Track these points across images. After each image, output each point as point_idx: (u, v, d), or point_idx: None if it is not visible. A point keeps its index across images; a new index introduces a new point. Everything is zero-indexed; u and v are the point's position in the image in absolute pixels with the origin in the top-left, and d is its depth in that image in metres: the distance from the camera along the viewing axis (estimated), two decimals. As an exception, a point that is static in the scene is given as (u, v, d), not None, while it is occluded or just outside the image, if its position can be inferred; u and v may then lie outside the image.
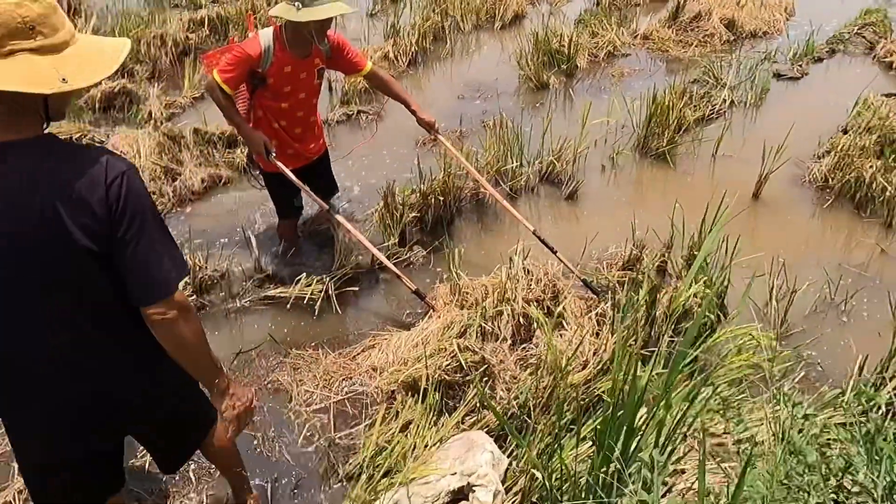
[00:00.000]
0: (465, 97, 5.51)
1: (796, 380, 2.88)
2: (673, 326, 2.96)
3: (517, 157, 4.25)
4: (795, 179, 4.35)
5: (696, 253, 3.33)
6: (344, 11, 2.97)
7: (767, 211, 4.09)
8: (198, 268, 3.33)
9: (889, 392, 2.39)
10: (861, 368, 2.72)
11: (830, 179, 4.21)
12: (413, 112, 3.44)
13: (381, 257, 3.23)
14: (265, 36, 3.02)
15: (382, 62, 5.97)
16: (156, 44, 6.02)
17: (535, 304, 2.86)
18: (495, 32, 6.87)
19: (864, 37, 6.28)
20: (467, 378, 2.53)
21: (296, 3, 2.89)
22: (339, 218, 3.27)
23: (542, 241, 3.38)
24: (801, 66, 5.85)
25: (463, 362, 2.47)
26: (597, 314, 3.03)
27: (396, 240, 3.62)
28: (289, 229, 3.69)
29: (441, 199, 3.79)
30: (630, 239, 3.52)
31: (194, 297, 3.27)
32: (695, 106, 5.14)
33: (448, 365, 2.51)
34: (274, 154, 3.13)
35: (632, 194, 4.26)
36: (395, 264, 3.53)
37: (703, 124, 4.99)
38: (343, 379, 2.90)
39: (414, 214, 3.78)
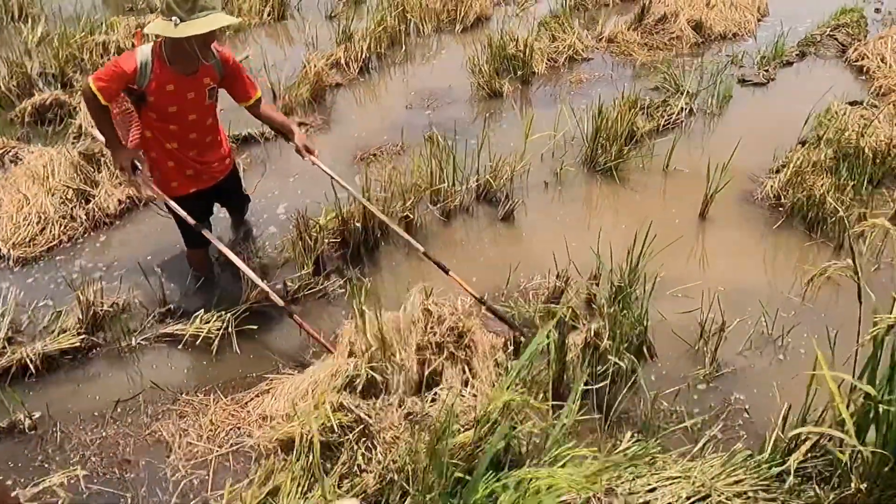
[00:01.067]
0: (414, 107, 5.27)
1: (718, 428, 2.66)
2: (588, 370, 2.74)
3: (451, 176, 4.01)
4: (747, 196, 4.11)
5: (622, 285, 3.10)
6: (226, 23, 2.75)
7: (713, 232, 3.85)
8: (91, 303, 3.12)
9: (802, 454, 2.16)
10: (785, 419, 2.50)
11: (783, 197, 3.97)
12: (291, 139, 3.28)
13: (262, 285, 3.04)
14: (142, 52, 2.83)
15: (332, 69, 5.74)
16: (98, 52, 5.80)
17: (434, 347, 2.64)
18: (456, 35, 6.62)
19: (836, 39, 6.01)
20: (346, 437, 2.32)
21: (173, 19, 2.68)
22: (219, 244, 3.07)
23: (435, 263, 3.25)
24: (767, 70, 5.59)
25: (335, 424, 2.26)
26: (508, 354, 2.82)
27: (311, 269, 3.40)
28: (197, 257, 3.48)
29: (359, 224, 3.56)
30: (555, 268, 3.30)
31: (85, 335, 3.07)
32: (649, 115, 4.90)
33: (324, 424, 2.30)
34: (140, 172, 2.96)
35: (571, 214, 4.02)
36: (307, 295, 3.34)
37: (657, 136, 4.74)
38: (231, 429, 2.70)
39: (333, 240, 3.57)
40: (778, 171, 4.22)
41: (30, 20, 6.83)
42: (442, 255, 3.64)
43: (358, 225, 3.53)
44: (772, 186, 4.07)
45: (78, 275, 3.51)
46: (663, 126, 4.82)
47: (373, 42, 6.02)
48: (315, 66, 5.37)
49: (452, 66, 5.91)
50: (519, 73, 5.59)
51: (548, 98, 5.37)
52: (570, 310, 3.09)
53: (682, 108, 4.95)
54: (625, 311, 2.90)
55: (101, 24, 6.32)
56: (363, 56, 5.88)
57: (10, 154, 4.51)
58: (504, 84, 5.41)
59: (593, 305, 3.21)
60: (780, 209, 3.95)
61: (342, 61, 5.83)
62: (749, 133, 4.66)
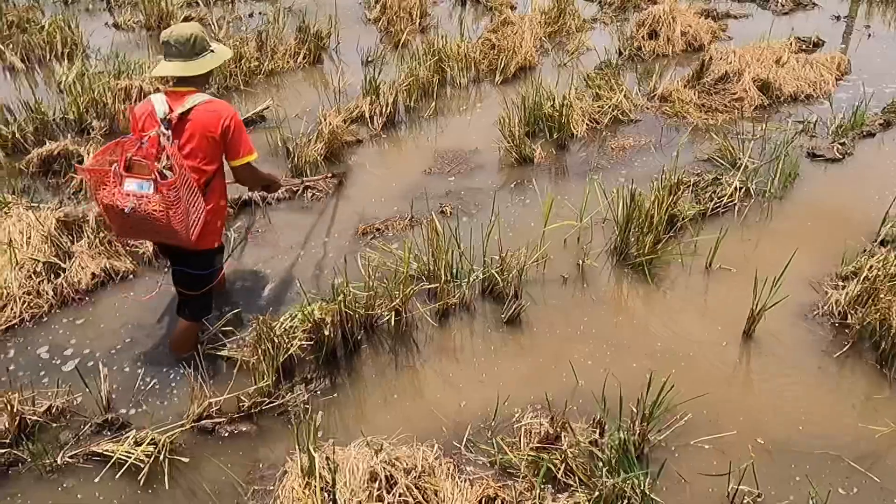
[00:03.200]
0: (434, 172, 4.81)
1: None
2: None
3: (454, 267, 3.51)
4: (805, 310, 3.43)
5: (633, 438, 2.52)
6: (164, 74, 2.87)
7: (759, 358, 3.19)
8: (18, 411, 2.77)
9: None
10: None
11: (850, 316, 3.28)
12: None
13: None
14: None
15: (354, 124, 5.36)
16: (120, 97, 5.61)
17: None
18: (495, 87, 6.14)
19: (931, 107, 5.20)
20: None
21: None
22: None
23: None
24: (844, 143, 4.85)
25: None
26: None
27: (272, 380, 2.96)
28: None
29: (334, 329, 3.10)
30: (557, 396, 2.74)
31: (9, 448, 2.71)
32: (696, 196, 4.27)
33: None
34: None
35: (589, 322, 3.43)
36: (263, 410, 2.90)
37: (702, 222, 4.11)
38: None
39: (304, 340, 3.12)
40: (846, 280, 3.52)
41: (66, 59, 6.79)
42: (432, 364, 3.16)
43: (328, 332, 3.06)
44: (837, 300, 3.38)
45: (25, 365, 3.19)
46: (711, 210, 4.18)
47: (401, 94, 5.62)
48: (331, 122, 4.99)
49: (484, 123, 5.42)
50: (554, 135, 5.05)
51: (584, 167, 4.80)
52: (564, 461, 2.53)
53: (736, 189, 4.29)
54: (628, 482, 2.31)
55: (132, 65, 6.18)
56: (389, 110, 5.48)
57: (3, 210, 4.30)
58: (536, 149, 4.88)
59: (597, 455, 2.62)
60: (846, 332, 3.25)
61: (367, 114, 5.45)
62: (815, 224, 4.00)
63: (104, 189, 2.72)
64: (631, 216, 3.74)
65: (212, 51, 2.98)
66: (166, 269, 3.82)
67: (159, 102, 2.85)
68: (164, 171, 2.71)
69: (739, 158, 4.56)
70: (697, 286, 3.64)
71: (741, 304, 3.32)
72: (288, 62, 6.65)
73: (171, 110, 2.83)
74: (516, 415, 2.84)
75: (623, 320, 3.43)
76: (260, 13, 8.14)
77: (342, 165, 4.90)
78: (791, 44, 6.28)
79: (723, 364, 3.13)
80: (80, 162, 4.81)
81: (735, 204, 4.24)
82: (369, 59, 6.75)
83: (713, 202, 4.20)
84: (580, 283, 3.68)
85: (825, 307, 3.40)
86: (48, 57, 6.99)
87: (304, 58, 6.73)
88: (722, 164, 4.64)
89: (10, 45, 7.02)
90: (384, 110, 5.44)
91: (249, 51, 6.50)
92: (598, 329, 3.37)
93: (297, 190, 4.56)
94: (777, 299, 3.14)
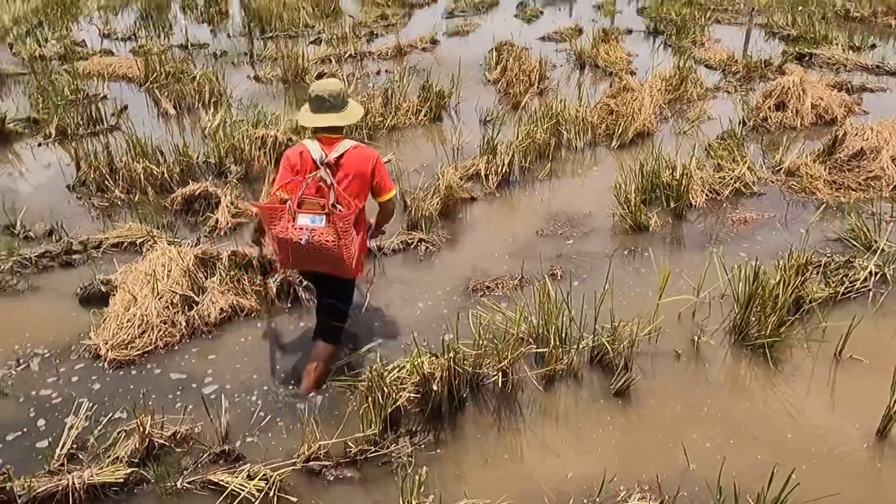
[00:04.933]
0: (546, 233, 4.83)
1: None
2: None
3: (563, 332, 3.48)
4: (952, 414, 3.12)
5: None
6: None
7: (894, 464, 2.93)
8: (148, 433, 2.98)
9: None
10: None
11: None
12: None
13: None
14: None
15: (470, 182, 5.51)
16: (256, 145, 6.06)
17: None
18: (611, 152, 6.14)
19: None
20: None
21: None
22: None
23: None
24: None
25: None
26: None
27: (378, 429, 3.03)
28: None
29: (441, 386, 3.14)
30: (663, 485, 2.62)
31: (135, 468, 2.91)
32: (825, 278, 4.04)
33: None
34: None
35: (703, 402, 3.28)
36: (368, 458, 2.96)
37: (832, 307, 3.87)
38: None
39: (412, 392, 3.17)
40: None
41: (212, 107, 7.44)
42: (536, 429, 3.13)
43: (436, 388, 3.10)
44: None
45: (156, 389, 3.44)
46: (842, 294, 3.93)
47: (518, 155, 5.73)
48: (447, 178, 5.15)
49: (599, 188, 5.42)
50: (672, 204, 4.96)
51: (701, 239, 4.67)
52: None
53: (871, 273, 4.03)
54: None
55: (269, 116, 6.67)
56: (505, 169, 5.59)
57: (149, 243, 4.71)
58: (652, 217, 4.81)
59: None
60: None
61: (482, 173, 5.59)
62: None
63: (278, 224, 3.04)
64: (754, 295, 3.59)
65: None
66: (287, 308, 4.04)
67: (314, 149, 3.19)
68: (336, 205, 3.07)
69: (875, 241, 4.29)
70: (825, 375, 3.41)
71: (875, 399, 3.09)
72: (410, 118, 6.96)
73: (326, 154, 3.16)
74: (623, 494, 2.74)
75: (741, 404, 3.26)
76: (387, 71, 8.61)
77: (456, 221, 5.03)
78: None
79: (854, 463, 2.90)
80: (217, 203, 5.21)
81: (870, 289, 3.98)
82: (487, 118, 6.94)
83: (844, 286, 3.95)
84: (694, 360, 3.55)
85: (975, 412, 3.08)
86: (196, 105, 7.69)
87: (425, 115, 7.03)
88: (855, 246, 4.38)
89: (166, 93, 7.79)
90: (500, 169, 5.56)
91: (375, 106, 6.87)
92: (713, 411, 3.21)
93: (412, 242, 4.71)
94: (919, 399, 2.89)
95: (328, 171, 3.13)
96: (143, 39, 10.96)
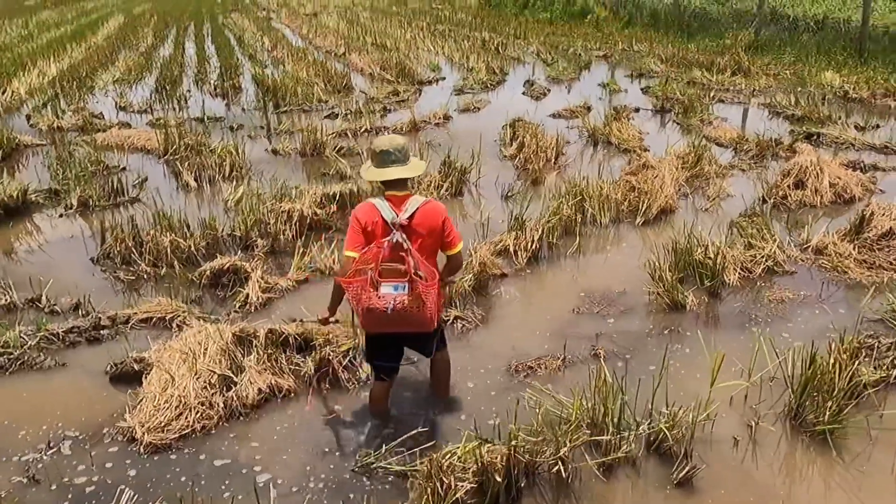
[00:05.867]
0: (582, 311, 4.79)
1: None
2: None
3: (616, 419, 3.38)
4: None
5: None
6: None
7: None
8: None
9: None
10: None
11: None
12: None
13: None
14: None
15: (499, 257, 5.49)
16: (282, 219, 6.06)
17: None
18: (636, 228, 6.17)
19: None
20: None
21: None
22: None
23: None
24: None
25: None
26: None
27: (438, 520, 2.88)
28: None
29: (500, 476, 3.01)
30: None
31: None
32: (873, 359, 3.98)
33: None
34: None
35: (765, 490, 3.16)
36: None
37: (886, 390, 3.80)
38: None
39: (470, 482, 3.04)
40: None
41: (234, 180, 7.48)
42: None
43: (497, 478, 2.98)
44: None
45: (200, 477, 3.28)
46: (895, 378, 3.87)
47: (545, 231, 5.74)
48: (481, 255, 5.14)
49: (629, 265, 5.41)
50: (706, 283, 4.95)
51: (740, 318, 4.63)
52: None
53: (920, 356, 3.98)
54: None
55: (292, 190, 6.70)
56: (533, 245, 5.59)
57: (178, 319, 4.62)
58: (688, 295, 4.78)
59: None
60: None
61: (511, 249, 5.59)
62: None
63: (364, 294, 3.08)
64: (810, 379, 3.52)
65: None
66: (326, 391, 3.91)
67: (385, 208, 3.20)
68: (418, 273, 3.08)
69: (918, 322, 4.27)
70: (889, 463, 3.31)
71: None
72: (431, 193, 7.00)
73: (398, 214, 3.18)
74: None
75: (809, 496, 3.14)
76: (404, 146, 8.72)
77: (489, 298, 4.98)
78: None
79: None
80: (246, 278, 5.15)
81: (921, 373, 3.92)
82: (509, 193, 7.01)
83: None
84: (754, 447, 3.44)
85: None
86: (217, 177, 7.73)
87: (446, 190, 7.09)
88: (897, 327, 4.35)
89: (187, 165, 7.84)
90: (529, 244, 5.56)
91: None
92: (776, 500, 3.09)
93: (448, 319, 4.64)
94: None
95: (403, 235, 3.14)
96: (158, 112, 11.16)
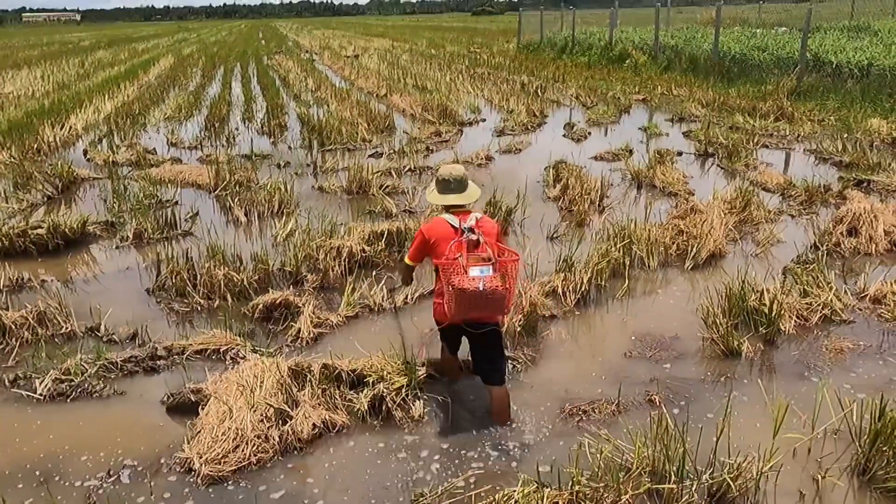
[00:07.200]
0: (634, 355, 4.73)
1: None
2: None
3: (678, 468, 3.31)
4: None
5: None
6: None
7: None
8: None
9: None
10: None
11: None
12: None
13: None
14: None
15: (547, 297, 5.47)
16: (332, 255, 6.15)
17: None
18: (685, 272, 6.11)
19: None
20: None
21: None
22: None
23: None
24: None
25: None
26: None
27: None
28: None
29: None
30: None
31: None
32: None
33: None
34: None
35: (842, 550, 3.05)
36: None
37: (958, 447, 3.65)
38: None
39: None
40: None
41: (283, 216, 7.64)
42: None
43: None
44: None
45: (255, 511, 3.29)
46: (967, 434, 3.72)
47: (594, 273, 5.72)
48: (531, 296, 5.14)
49: (680, 309, 5.35)
50: (761, 330, 4.86)
51: (798, 367, 4.52)
52: None
53: None
54: None
55: (341, 226, 6.81)
56: (582, 287, 5.57)
57: (232, 352, 4.69)
58: (743, 342, 4.70)
59: None
60: None
61: (559, 290, 5.57)
62: None
63: (457, 277, 3.49)
64: (880, 433, 3.41)
65: None
66: (378, 426, 3.91)
67: (452, 219, 3.76)
68: (495, 258, 3.57)
69: None
70: (968, 525, 3.17)
71: None
72: (477, 232, 7.04)
73: (464, 222, 3.73)
74: None
75: (882, 555, 3.02)
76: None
77: (539, 339, 4.96)
78: None
79: None
80: (297, 312, 5.22)
81: None
82: (554, 235, 7.03)
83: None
84: (820, 502, 3.33)
85: None
86: (266, 213, 7.90)
87: (491, 229, 7.12)
88: (967, 381, 4.21)
89: (237, 201, 8.04)
90: (578, 287, 5.54)
91: (444, 220, 6.99)
92: (853, 562, 2.97)
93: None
94: None
95: (472, 231, 3.65)
96: (207, 148, 11.52)
